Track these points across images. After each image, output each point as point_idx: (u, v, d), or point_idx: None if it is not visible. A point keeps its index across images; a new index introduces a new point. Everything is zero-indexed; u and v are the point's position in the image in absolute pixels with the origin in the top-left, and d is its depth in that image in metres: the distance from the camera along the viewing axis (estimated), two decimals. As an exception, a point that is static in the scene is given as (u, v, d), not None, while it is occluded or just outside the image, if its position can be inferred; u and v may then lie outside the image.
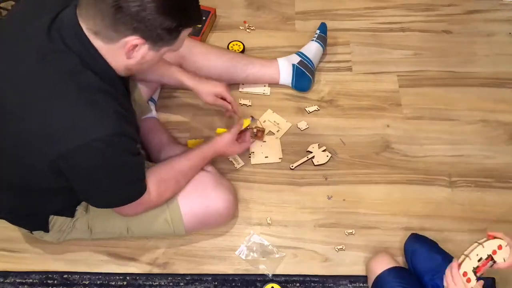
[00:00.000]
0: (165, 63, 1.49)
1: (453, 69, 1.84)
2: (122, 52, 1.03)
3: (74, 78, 1.02)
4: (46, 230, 1.33)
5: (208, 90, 1.52)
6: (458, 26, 1.96)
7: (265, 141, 1.66)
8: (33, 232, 1.36)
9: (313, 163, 1.62)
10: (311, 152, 1.63)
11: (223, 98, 1.54)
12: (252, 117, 1.59)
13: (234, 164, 1.61)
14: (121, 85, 1.15)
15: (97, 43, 1.03)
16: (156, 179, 1.25)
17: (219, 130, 1.53)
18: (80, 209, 1.34)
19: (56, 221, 1.32)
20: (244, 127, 1.49)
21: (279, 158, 1.63)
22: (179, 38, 1.07)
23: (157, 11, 0.97)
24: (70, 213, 1.33)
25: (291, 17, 1.99)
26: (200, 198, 1.36)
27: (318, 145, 1.65)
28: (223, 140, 1.43)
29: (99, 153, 1.03)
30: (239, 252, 1.46)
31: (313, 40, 1.82)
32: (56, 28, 1.03)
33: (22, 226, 1.37)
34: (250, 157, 1.63)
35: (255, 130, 1.64)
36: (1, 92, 1.05)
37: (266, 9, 2.01)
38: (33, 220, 1.32)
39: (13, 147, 1.07)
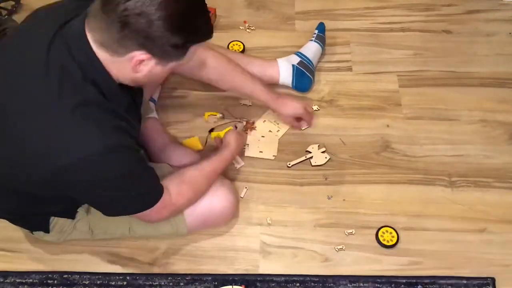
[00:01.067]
0: (247, 76, 1.54)
1: (453, 69, 1.84)
2: (129, 65, 1.02)
3: (74, 93, 1.00)
4: (47, 231, 1.33)
5: (287, 113, 1.60)
6: (458, 26, 1.96)
7: (263, 136, 1.66)
8: (33, 232, 1.36)
9: (311, 163, 1.62)
10: (310, 152, 1.63)
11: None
12: (236, 126, 1.67)
13: (234, 164, 1.61)
14: (127, 97, 1.13)
15: (102, 54, 1.01)
16: (177, 182, 1.26)
17: (213, 134, 1.58)
18: (81, 211, 1.34)
19: (57, 222, 1.33)
20: (224, 132, 1.53)
21: (273, 156, 1.63)
22: (188, 53, 1.05)
23: (165, 28, 0.95)
24: (71, 215, 1.33)
25: (291, 17, 1.99)
26: (202, 198, 1.35)
27: (318, 146, 1.65)
28: (232, 138, 1.47)
29: (96, 167, 1.02)
30: None
31: (311, 40, 1.82)
32: (62, 37, 1.02)
33: (22, 226, 1.37)
34: (244, 148, 1.63)
35: (244, 123, 1.68)
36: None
37: (266, 9, 2.01)
38: (33, 221, 1.32)
39: (8, 160, 1.06)
